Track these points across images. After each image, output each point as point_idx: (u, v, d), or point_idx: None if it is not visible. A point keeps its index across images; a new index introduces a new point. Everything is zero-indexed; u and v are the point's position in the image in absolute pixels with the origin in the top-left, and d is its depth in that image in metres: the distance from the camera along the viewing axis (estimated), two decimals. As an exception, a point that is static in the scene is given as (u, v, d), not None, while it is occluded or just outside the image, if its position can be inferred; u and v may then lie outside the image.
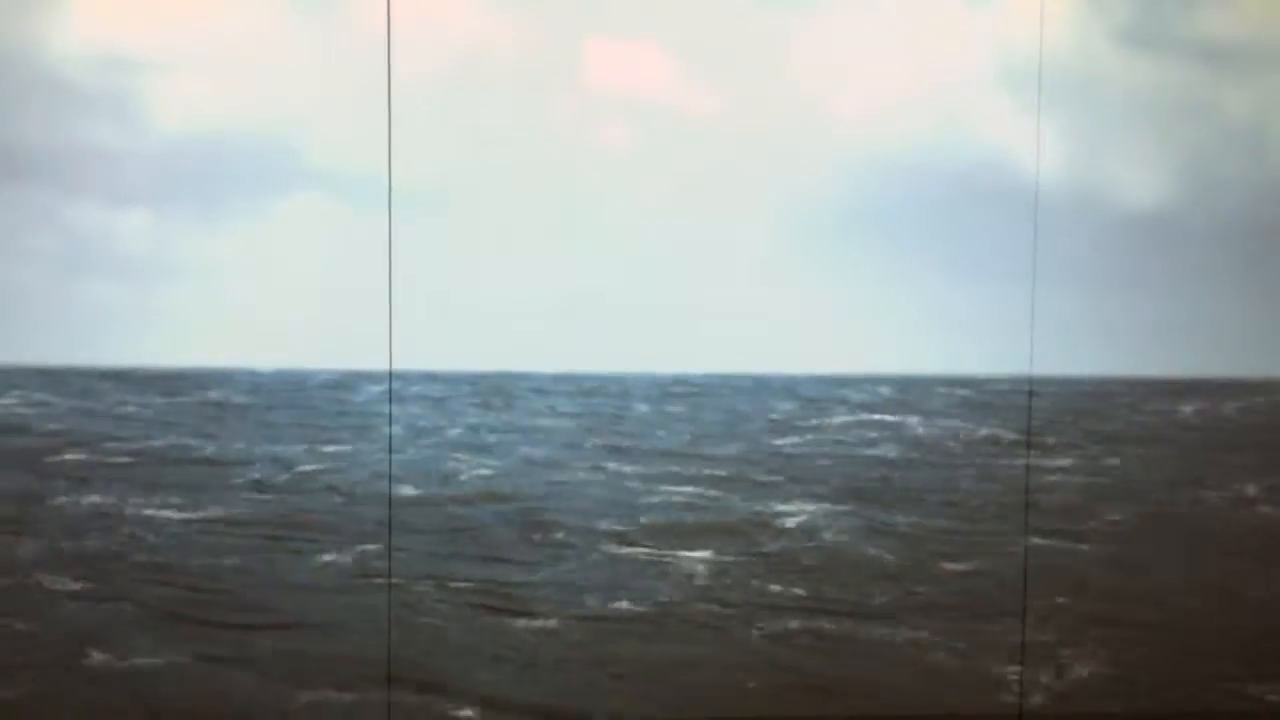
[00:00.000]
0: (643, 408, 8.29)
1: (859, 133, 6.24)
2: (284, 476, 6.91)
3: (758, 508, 7.02)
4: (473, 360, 5.67)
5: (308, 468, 7.02)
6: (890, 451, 8.20)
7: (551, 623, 5.48)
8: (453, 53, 5.83)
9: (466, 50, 5.87)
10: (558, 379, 8.33)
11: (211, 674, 5.04)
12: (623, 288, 5.99)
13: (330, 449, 7.22)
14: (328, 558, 5.88)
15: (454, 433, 7.59)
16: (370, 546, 5.52)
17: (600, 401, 8.20)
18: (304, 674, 5.03)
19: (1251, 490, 6.68)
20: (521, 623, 5.47)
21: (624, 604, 5.84)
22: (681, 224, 5.98)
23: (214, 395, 8.36)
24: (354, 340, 5.20)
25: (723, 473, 7.51)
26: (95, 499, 7.01)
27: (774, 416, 8.50)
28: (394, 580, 5.13)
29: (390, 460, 5.34)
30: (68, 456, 7.75)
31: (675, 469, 7.57)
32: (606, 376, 8.16)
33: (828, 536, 6.70)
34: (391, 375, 4.73)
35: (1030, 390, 5.09)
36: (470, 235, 5.70)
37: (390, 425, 5.21)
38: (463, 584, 5.72)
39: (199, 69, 6.17)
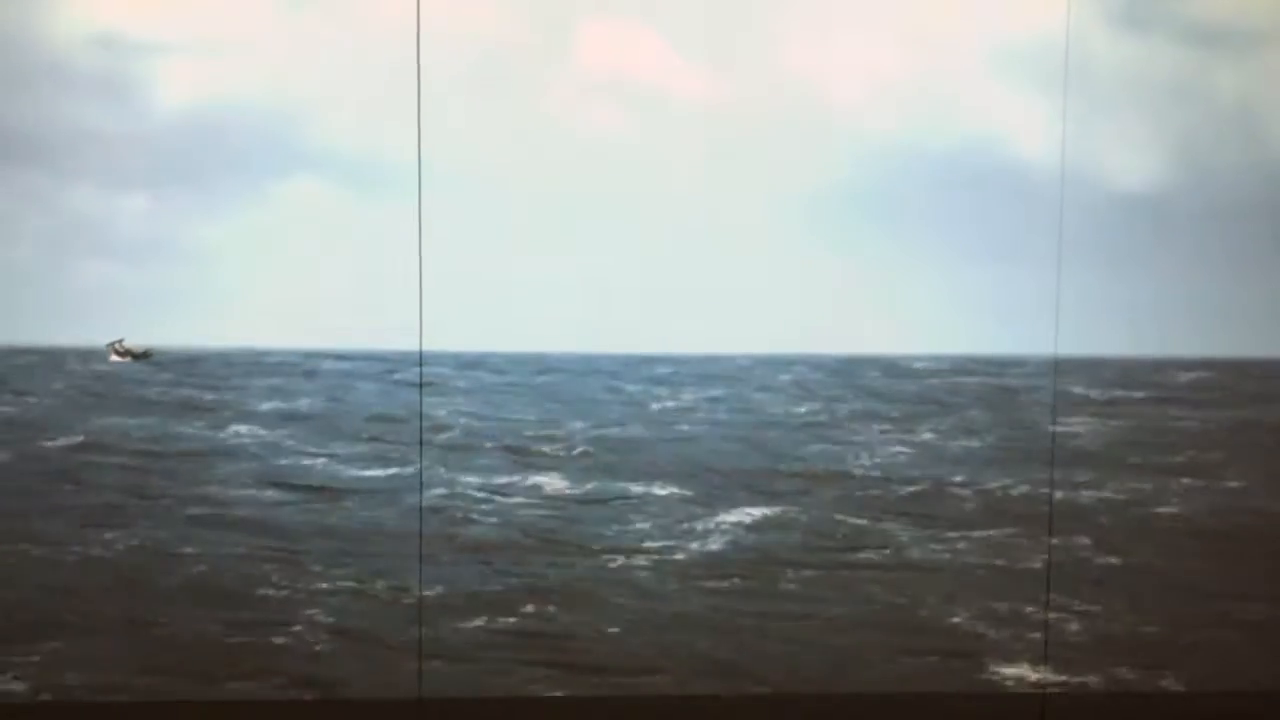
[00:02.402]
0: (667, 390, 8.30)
1: (859, 116, 6.28)
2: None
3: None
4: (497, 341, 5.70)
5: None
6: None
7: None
8: (476, 40, 5.83)
9: (487, 38, 5.87)
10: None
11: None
12: (637, 272, 6.00)
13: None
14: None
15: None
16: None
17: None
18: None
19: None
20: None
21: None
22: (697, 210, 6.00)
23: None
24: (385, 322, 5.20)
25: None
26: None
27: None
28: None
29: (421, 441, 5.36)
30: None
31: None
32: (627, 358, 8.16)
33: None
34: (422, 356, 4.74)
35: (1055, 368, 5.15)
36: (493, 219, 5.71)
37: (421, 405, 5.23)
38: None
39: (203, 51, 6.14)
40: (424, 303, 4.70)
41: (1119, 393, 7.95)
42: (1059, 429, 6.03)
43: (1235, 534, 6.28)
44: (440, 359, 6.76)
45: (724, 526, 6.46)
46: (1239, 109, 6.22)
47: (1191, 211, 6.27)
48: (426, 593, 5.10)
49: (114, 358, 6.41)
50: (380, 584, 5.36)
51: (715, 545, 6.33)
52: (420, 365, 4.78)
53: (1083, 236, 5.79)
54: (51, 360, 8.33)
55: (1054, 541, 5.35)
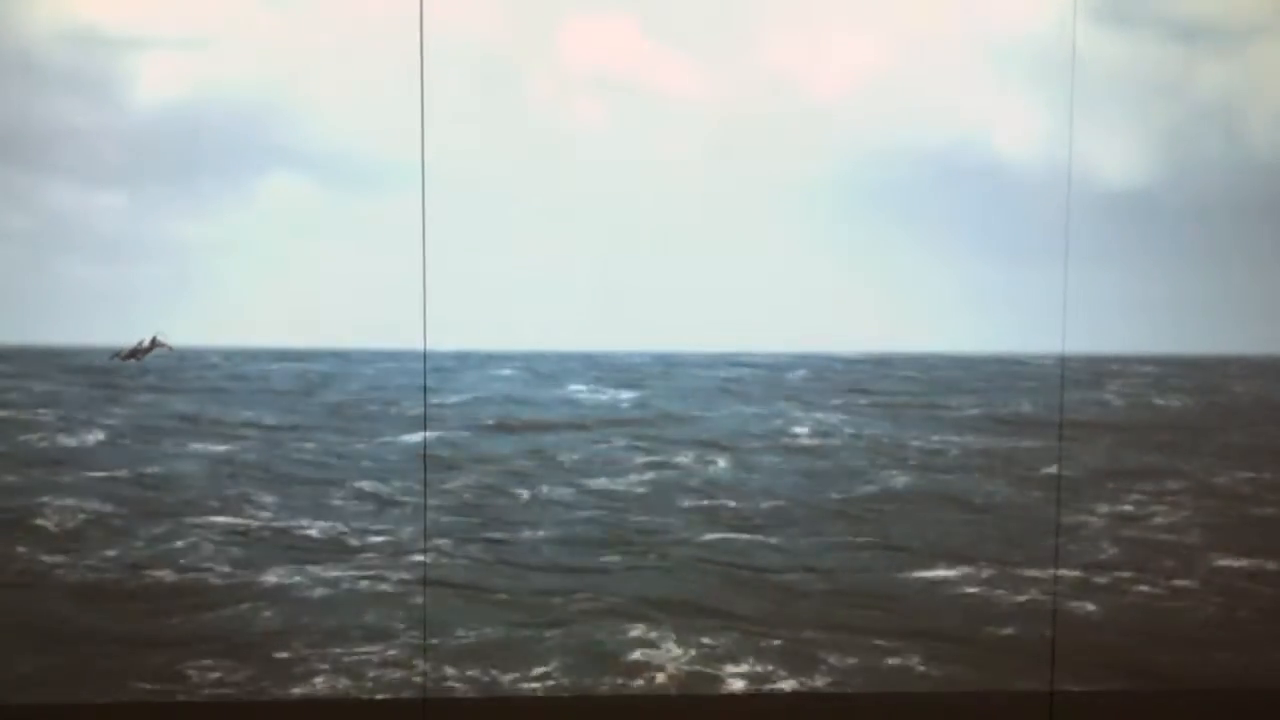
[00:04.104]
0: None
1: (850, 115, 6.29)
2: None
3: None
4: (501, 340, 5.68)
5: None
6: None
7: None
8: (474, 39, 5.80)
9: (486, 37, 5.84)
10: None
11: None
12: (641, 271, 5.99)
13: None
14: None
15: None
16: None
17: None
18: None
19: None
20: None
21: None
22: (701, 209, 6.00)
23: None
24: (388, 320, 5.17)
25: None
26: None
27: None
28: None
29: (425, 437, 5.33)
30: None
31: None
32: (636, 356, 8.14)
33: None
34: (426, 355, 4.70)
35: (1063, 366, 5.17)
36: (496, 217, 5.69)
37: (425, 403, 5.19)
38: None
39: (184, 45, 6.08)
40: (428, 302, 4.66)
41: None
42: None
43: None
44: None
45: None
46: (1225, 105, 6.27)
47: (1177, 208, 6.31)
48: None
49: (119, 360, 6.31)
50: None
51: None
52: (424, 364, 4.74)
53: (1070, 234, 5.81)
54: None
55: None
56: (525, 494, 6.41)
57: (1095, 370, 8.13)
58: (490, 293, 5.71)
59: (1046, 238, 5.44)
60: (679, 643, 5.14)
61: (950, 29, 5.95)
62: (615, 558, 6.00)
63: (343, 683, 4.87)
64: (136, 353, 6.14)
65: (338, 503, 6.30)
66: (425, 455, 5.19)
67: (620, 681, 4.90)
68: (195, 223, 6.45)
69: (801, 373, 8.77)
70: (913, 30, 5.97)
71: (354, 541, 5.83)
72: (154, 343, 6.07)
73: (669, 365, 8.60)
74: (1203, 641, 5.32)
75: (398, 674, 4.83)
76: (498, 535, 5.92)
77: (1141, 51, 6.09)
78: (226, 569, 5.65)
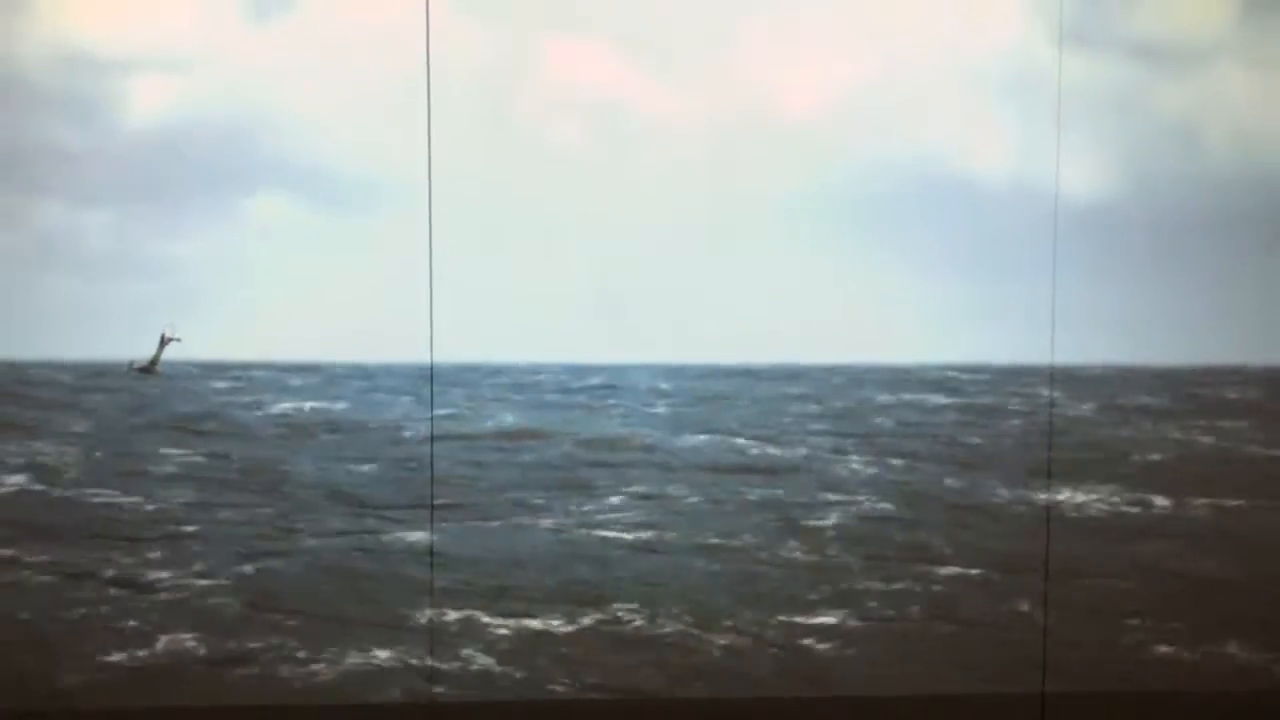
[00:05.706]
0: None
1: (834, 131, 6.38)
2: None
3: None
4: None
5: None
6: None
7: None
8: (476, 62, 5.86)
9: (486, 59, 5.90)
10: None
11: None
12: (642, 284, 6.05)
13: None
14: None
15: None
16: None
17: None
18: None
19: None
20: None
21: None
22: (701, 225, 6.06)
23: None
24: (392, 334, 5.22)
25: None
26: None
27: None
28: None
29: (432, 446, 5.39)
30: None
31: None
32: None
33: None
34: (433, 368, 4.77)
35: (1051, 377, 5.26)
36: (500, 232, 5.75)
37: (432, 412, 5.26)
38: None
39: (174, 68, 6.12)
40: (434, 315, 4.72)
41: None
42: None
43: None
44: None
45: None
46: (1185, 122, 6.38)
47: (1137, 223, 6.41)
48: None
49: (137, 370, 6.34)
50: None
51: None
52: (431, 377, 4.80)
53: (1040, 248, 5.91)
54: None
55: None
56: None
57: (1073, 380, 8.23)
58: (493, 306, 5.77)
59: (1018, 251, 5.53)
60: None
61: (927, 49, 6.05)
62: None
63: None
64: (152, 363, 6.17)
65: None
66: (432, 463, 5.26)
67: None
68: (190, 241, 6.47)
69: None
70: (893, 50, 6.07)
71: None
72: (163, 341, 6.11)
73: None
74: (1195, 645, 5.39)
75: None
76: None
77: (1106, 70, 6.19)
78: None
